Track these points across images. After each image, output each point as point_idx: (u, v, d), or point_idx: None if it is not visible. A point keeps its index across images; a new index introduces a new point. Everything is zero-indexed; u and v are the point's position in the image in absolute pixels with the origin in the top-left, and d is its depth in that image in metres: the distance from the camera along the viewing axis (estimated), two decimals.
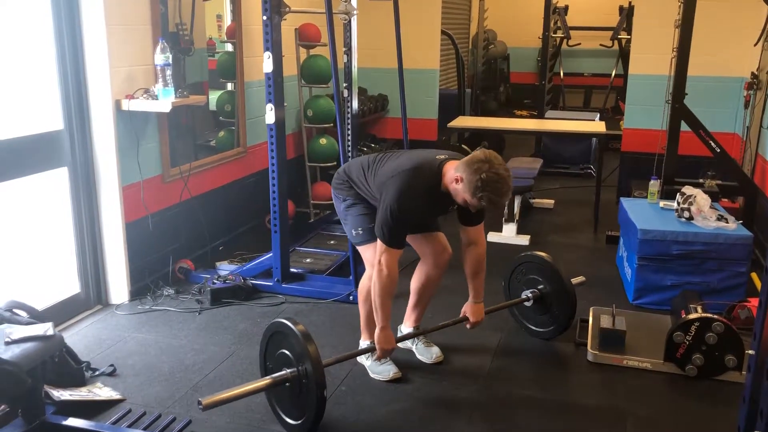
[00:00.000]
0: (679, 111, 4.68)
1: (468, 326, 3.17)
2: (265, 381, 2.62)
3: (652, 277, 3.90)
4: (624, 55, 11.81)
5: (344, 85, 4.77)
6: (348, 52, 4.71)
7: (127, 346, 3.43)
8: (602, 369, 3.26)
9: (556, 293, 3.40)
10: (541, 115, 7.66)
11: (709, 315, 3.09)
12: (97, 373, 3.12)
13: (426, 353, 3.30)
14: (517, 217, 5.07)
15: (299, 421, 2.64)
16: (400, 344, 3.39)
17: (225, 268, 4.36)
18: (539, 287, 3.46)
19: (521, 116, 11.29)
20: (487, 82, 11.64)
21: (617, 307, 3.75)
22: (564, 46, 11.63)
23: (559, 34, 10.84)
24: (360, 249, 3.09)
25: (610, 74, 11.72)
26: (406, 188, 2.74)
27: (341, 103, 4.00)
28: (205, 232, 4.59)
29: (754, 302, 3.50)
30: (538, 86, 9.79)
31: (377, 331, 2.87)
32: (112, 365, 3.17)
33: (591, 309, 3.77)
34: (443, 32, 7.14)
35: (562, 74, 12.26)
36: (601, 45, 11.57)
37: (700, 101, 5.06)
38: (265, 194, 5.10)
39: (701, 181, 4.82)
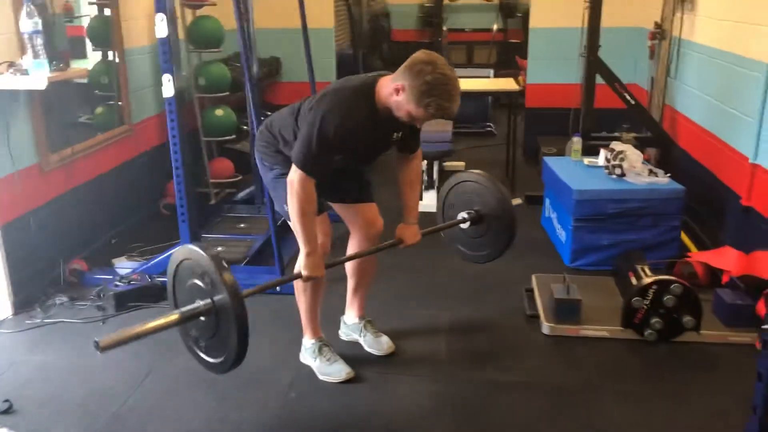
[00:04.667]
0: (594, 64, 4.58)
1: (401, 246, 2.78)
2: (174, 316, 2.18)
3: (588, 237, 3.79)
4: (505, 9, 11.86)
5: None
6: (243, 12, 4.20)
7: (22, 372, 2.87)
8: (560, 342, 3.09)
9: (494, 213, 2.97)
10: None
11: (667, 277, 2.98)
12: None
13: (376, 345, 2.99)
14: (436, 184, 4.83)
15: (219, 359, 2.24)
16: (345, 337, 3.08)
17: (124, 265, 3.82)
18: (476, 208, 3.00)
19: None
20: (371, 40, 11.30)
21: (552, 270, 3.64)
22: (446, 1, 11.48)
23: None
24: (293, 226, 2.70)
25: (491, 29, 11.71)
26: (337, 110, 2.35)
27: (249, 70, 3.52)
28: (94, 226, 4.00)
29: (695, 256, 3.46)
30: (429, 43, 9.56)
31: (302, 256, 2.50)
32: (6, 400, 2.62)
33: (534, 277, 3.61)
34: None
35: (444, 29, 12.14)
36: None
37: (601, 53, 4.99)
38: (157, 176, 4.56)
39: (617, 134, 4.76)
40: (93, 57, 4.35)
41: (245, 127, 5.22)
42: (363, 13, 10.10)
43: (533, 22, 5.94)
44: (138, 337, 2.08)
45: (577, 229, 3.77)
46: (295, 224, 2.48)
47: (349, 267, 2.96)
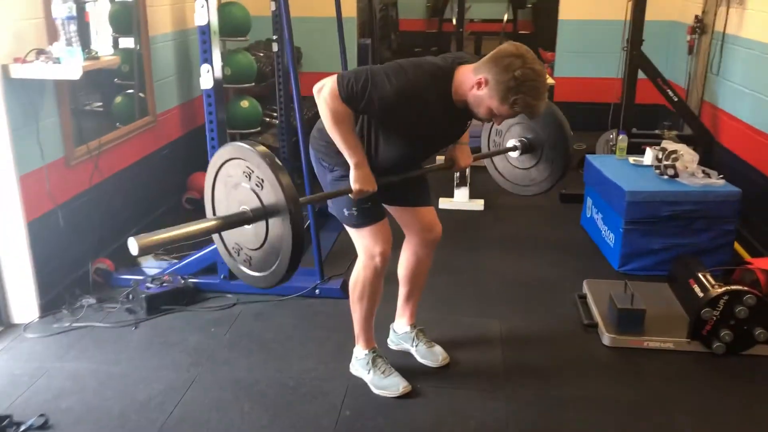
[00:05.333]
0: (637, 58, 4.40)
1: (455, 169, 2.64)
2: (217, 220, 1.95)
3: (639, 241, 3.62)
4: (516, 0, 11.66)
5: (274, 37, 4.09)
6: None
7: (54, 382, 2.69)
8: (622, 354, 2.93)
9: (547, 140, 2.72)
10: None
11: (740, 287, 2.82)
12: (22, 428, 2.38)
13: (430, 356, 2.82)
14: (468, 180, 4.65)
15: (265, 272, 2.01)
16: (395, 346, 2.91)
17: (152, 264, 3.63)
18: (527, 135, 2.77)
19: None
20: (380, 31, 11.09)
21: (602, 274, 3.53)
22: None
23: None
24: (352, 233, 2.53)
25: (502, 20, 11.53)
26: (411, 84, 2.15)
27: (294, 59, 3.31)
28: (118, 223, 3.81)
29: (758, 263, 3.30)
30: (437, 33, 9.33)
31: (352, 168, 2.27)
32: (42, 414, 2.44)
33: (585, 282, 3.44)
34: None
35: (454, 21, 11.92)
36: None
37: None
38: (179, 169, 4.39)
39: (658, 132, 4.60)
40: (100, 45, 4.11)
41: (269, 119, 5.04)
42: (375, 2, 9.87)
43: (563, 14, 5.76)
44: (175, 240, 1.87)
45: (628, 232, 3.61)
46: (333, 135, 2.26)
47: (402, 274, 2.79)
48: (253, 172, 1.93)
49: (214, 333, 3.07)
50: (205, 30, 3.02)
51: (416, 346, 2.85)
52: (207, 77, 3.08)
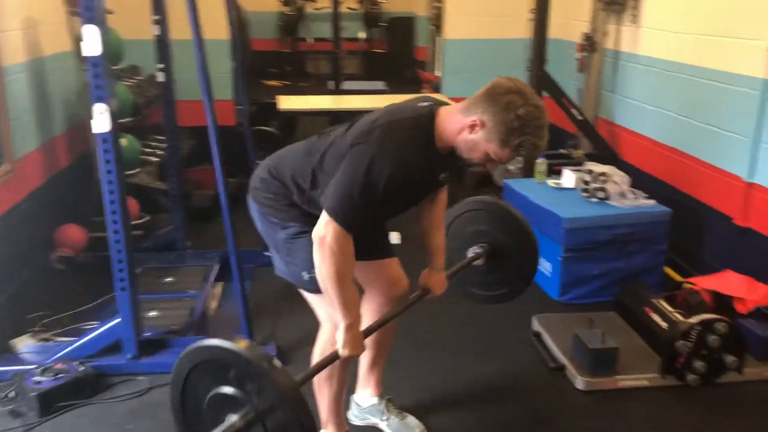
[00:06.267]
0: (541, 79, 4.33)
1: (431, 297, 2.34)
2: None
3: (577, 268, 3.50)
4: (369, 18, 11.58)
5: (160, 66, 3.54)
6: (160, 20, 3.47)
7: None
8: (599, 397, 2.74)
9: (510, 242, 2.52)
10: (338, 88, 6.90)
11: (712, 316, 2.73)
12: None
13: (404, 429, 2.46)
14: None
15: None
16: (359, 421, 2.54)
17: (32, 348, 2.95)
18: (487, 240, 2.53)
19: (273, 87, 10.38)
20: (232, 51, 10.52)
21: (541, 306, 3.39)
22: (308, 9, 10.99)
23: None
24: (314, 299, 2.14)
25: (357, 39, 11.39)
26: (392, 154, 1.84)
27: (209, 87, 2.81)
28: None
29: (701, 283, 3.26)
30: (290, 53, 8.97)
31: (341, 329, 1.95)
32: None
33: (535, 319, 3.24)
34: None
35: (308, 40, 11.61)
36: (348, 8, 11.11)
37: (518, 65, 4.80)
38: (43, 223, 3.74)
39: (563, 151, 4.55)
40: None
41: (145, 157, 4.42)
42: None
43: (448, 33, 5.63)
44: None
45: (567, 260, 3.46)
46: (329, 291, 1.92)
47: (367, 339, 2.40)
48: (242, 376, 1.61)
49: (132, 430, 2.50)
50: (98, 62, 2.47)
51: (387, 419, 2.47)
52: (102, 119, 2.52)
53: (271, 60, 11.54)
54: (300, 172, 2.06)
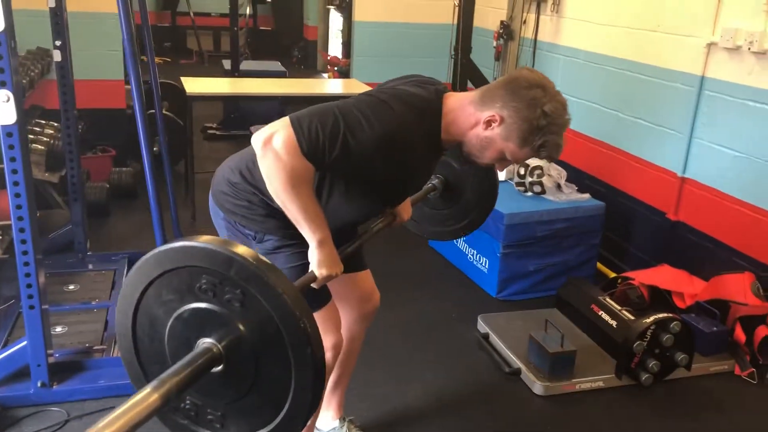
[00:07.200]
0: (466, 67, 4.21)
1: (396, 224, 2.09)
2: (162, 384, 1.12)
3: (516, 264, 3.41)
4: None
5: (57, 42, 3.07)
6: None
7: None
8: (557, 402, 2.66)
9: (467, 170, 2.27)
10: (236, 70, 6.44)
11: (667, 315, 2.71)
12: None
13: None
14: None
15: (272, 424, 1.29)
16: None
17: None
18: (441, 172, 2.30)
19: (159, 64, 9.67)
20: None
21: (480, 304, 3.28)
22: None
23: None
24: None
25: (242, 15, 10.86)
26: (394, 125, 1.60)
27: (136, 70, 2.41)
28: None
29: (639, 278, 3.27)
30: (171, 27, 8.41)
31: (314, 247, 1.67)
32: None
33: (480, 319, 3.14)
34: None
35: (192, 14, 10.92)
36: None
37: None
38: None
39: None
40: None
41: (31, 145, 3.87)
42: None
43: (358, 16, 5.38)
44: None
45: (506, 256, 3.37)
46: (287, 205, 1.62)
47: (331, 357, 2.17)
48: (220, 283, 1.22)
49: None
50: (1, 39, 2.04)
51: None
52: (6, 109, 2.09)
53: (156, 35, 10.78)
54: None
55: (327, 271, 1.67)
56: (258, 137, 1.56)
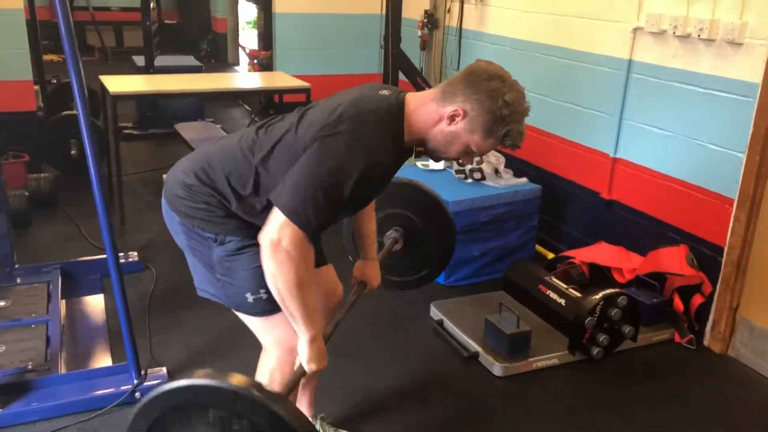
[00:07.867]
0: (397, 57, 4.22)
1: (367, 291, 2.16)
2: None
3: (461, 250, 3.44)
4: None
5: None
6: None
7: None
8: (516, 381, 2.74)
9: (427, 221, 2.37)
10: (152, 66, 6.17)
11: (614, 290, 2.82)
12: None
13: None
14: None
15: None
16: None
17: None
18: (400, 223, 2.36)
19: (54, 62, 9.18)
20: None
21: (429, 292, 3.25)
22: None
23: None
24: (257, 323, 1.85)
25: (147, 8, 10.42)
26: (362, 150, 1.61)
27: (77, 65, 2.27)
28: None
29: (579, 256, 3.39)
30: (79, 23, 8.03)
31: (304, 343, 1.72)
32: None
33: (433, 305, 3.18)
34: None
35: (91, 9, 10.39)
36: None
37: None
38: None
39: None
40: None
41: None
42: None
43: (279, 7, 5.29)
44: None
45: None
46: (287, 304, 1.65)
47: None
48: (206, 415, 1.30)
49: None
50: None
51: None
52: None
53: (44, 31, 10.20)
54: (239, 174, 1.74)
55: (316, 366, 1.73)
56: (266, 240, 1.59)
